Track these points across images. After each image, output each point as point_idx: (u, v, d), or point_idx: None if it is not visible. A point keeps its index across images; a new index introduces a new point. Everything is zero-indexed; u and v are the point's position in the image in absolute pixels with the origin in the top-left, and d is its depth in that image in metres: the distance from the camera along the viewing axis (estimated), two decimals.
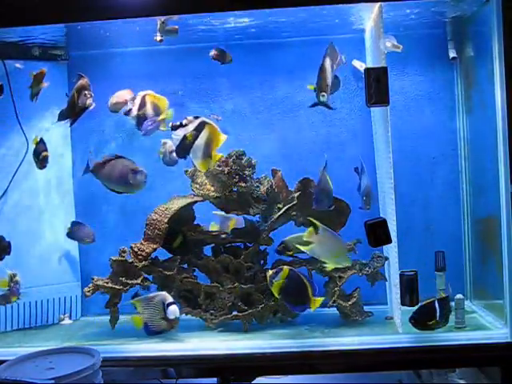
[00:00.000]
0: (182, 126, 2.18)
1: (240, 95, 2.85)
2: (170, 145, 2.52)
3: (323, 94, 2.19)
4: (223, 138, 2.18)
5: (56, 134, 2.79)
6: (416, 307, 2.24)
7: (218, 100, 2.86)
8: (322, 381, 2.38)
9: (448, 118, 2.80)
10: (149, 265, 2.47)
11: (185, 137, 2.17)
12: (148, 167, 2.37)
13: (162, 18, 2.29)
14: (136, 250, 2.48)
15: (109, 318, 2.50)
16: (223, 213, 2.59)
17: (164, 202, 2.56)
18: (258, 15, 2.40)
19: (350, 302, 2.45)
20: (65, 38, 2.61)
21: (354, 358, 2.23)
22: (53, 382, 1.68)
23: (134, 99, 2.40)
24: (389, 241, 2.01)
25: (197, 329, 2.48)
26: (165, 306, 2.30)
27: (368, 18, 2.49)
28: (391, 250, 2.37)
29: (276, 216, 2.51)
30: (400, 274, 2.22)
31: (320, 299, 2.22)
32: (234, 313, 2.49)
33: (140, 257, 2.47)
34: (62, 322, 2.78)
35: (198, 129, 2.18)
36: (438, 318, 2.21)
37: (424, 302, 2.23)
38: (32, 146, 2.51)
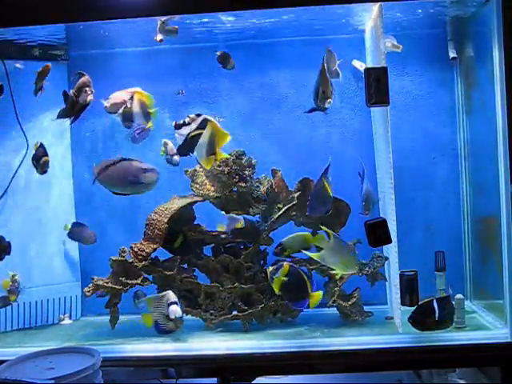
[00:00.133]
0: (185, 124, 2.19)
1: (240, 95, 2.85)
2: (172, 147, 2.52)
3: (330, 100, 2.17)
4: (228, 137, 2.18)
5: (55, 134, 2.80)
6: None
7: (218, 100, 2.86)
8: (322, 381, 2.38)
9: (448, 118, 2.80)
10: (149, 265, 2.48)
11: (188, 135, 2.18)
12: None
13: (163, 18, 2.29)
14: (136, 250, 2.48)
15: (109, 317, 2.51)
16: (234, 215, 2.59)
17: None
18: (258, 15, 2.40)
19: (349, 302, 2.45)
20: (65, 38, 2.61)
21: (354, 358, 2.23)
22: (53, 382, 1.68)
23: (132, 99, 2.39)
24: (389, 241, 2.01)
25: (197, 329, 2.48)
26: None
27: (368, 17, 2.49)
28: (391, 250, 2.37)
29: (276, 216, 2.51)
30: (400, 274, 2.22)
31: (319, 293, 2.21)
32: (234, 313, 2.49)
33: (140, 257, 2.47)
34: (62, 322, 2.78)
35: (201, 126, 2.18)
36: (437, 318, 2.20)
37: (422, 302, 2.23)
38: (32, 151, 2.51)
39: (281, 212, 2.50)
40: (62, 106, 2.37)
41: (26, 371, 1.82)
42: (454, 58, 2.72)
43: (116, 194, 2.36)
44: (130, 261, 2.47)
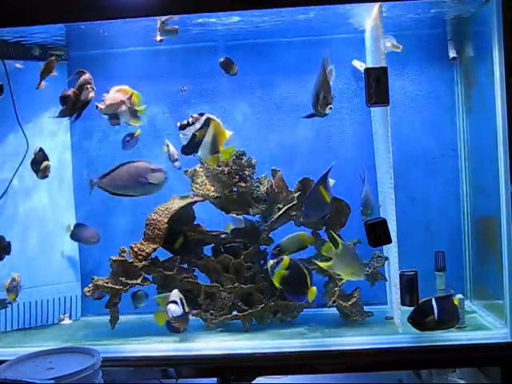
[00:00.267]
0: (189, 124, 2.19)
1: (240, 95, 2.85)
2: (173, 151, 2.52)
3: (330, 106, 2.14)
4: (228, 134, 2.20)
5: (55, 134, 2.80)
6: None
7: (218, 100, 2.86)
8: (322, 381, 2.38)
9: (448, 118, 2.80)
10: (149, 265, 2.48)
11: (193, 135, 2.18)
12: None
13: (162, 18, 2.29)
14: (136, 250, 2.48)
15: (109, 317, 2.51)
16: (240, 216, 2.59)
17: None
18: (258, 15, 2.40)
19: (349, 302, 2.45)
20: (65, 38, 2.61)
21: (354, 358, 2.23)
22: (53, 382, 1.68)
23: (130, 99, 2.39)
24: (389, 241, 2.01)
25: (197, 329, 2.48)
26: None
27: (368, 17, 2.49)
28: (391, 250, 2.37)
29: (276, 216, 2.51)
30: (400, 274, 2.21)
31: (313, 289, 2.20)
32: (234, 313, 2.49)
33: (140, 257, 2.47)
34: (62, 322, 2.78)
35: (205, 125, 2.18)
36: (436, 317, 2.19)
37: (421, 301, 2.23)
38: (31, 155, 2.50)
39: (281, 212, 2.50)
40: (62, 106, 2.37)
41: (26, 371, 1.82)
42: (453, 58, 2.72)
43: (121, 195, 2.37)
44: (130, 261, 2.47)
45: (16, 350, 2.28)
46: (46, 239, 2.77)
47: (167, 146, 2.58)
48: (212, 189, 2.53)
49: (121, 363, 2.24)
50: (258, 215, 2.59)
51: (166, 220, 2.48)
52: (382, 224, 1.99)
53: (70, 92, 2.29)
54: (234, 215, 2.56)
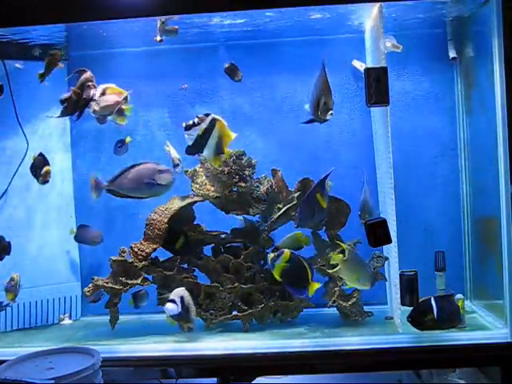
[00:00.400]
0: (194, 125, 2.19)
1: (240, 95, 2.85)
2: (175, 156, 2.52)
3: (331, 112, 2.13)
4: (233, 135, 2.19)
5: (55, 133, 2.80)
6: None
7: (217, 100, 2.86)
8: (322, 381, 2.38)
9: (448, 118, 2.80)
10: (149, 265, 2.48)
11: (199, 135, 2.17)
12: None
13: (162, 18, 2.29)
14: (136, 250, 2.48)
15: (109, 317, 2.51)
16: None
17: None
18: (258, 15, 2.40)
19: (349, 302, 2.45)
20: (65, 38, 2.61)
21: (354, 358, 2.23)
22: (53, 382, 1.68)
23: (126, 99, 2.39)
24: (389, 241, 2.01)
25: (197, 329, 2.48)
26: None
27: (368, 17, 2.49)
28: (391, 250, 2.37)
29: (276, 216, 2.51)
30: (400, 274, 2.21)
31: (317, 284, 2.22)
32: (234, 313, 2.49)
33: (140, 257, 2.47)
34: (62, 322, 2.78)
35: (210, 126, 2.18)
36: (436, 316, 2.19)
37: (421, 300, 2.22)
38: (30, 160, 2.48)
39: (281, 212, 2.50)
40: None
41: (26, 371, 1.82)
42: (453, 58, 2.72)
43: (129, 197, 2.36)
44: (130, 261, 2.47)
45: (16, 349, 2.28)
46: (46, 239, 2.77)
47: (168, 146, 2.58)
48: (212, 189, 2.53)
49: (121, 363, 2.24)
50: (257, 215, 2.59)
51: (165, 220, 2.49)
52: (382, 224, 1.99)
53: (70, 93, 2.29)
54: (241, 218, 2.57)
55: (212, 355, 2.24)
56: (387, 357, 2.22)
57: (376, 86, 2.09)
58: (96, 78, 2.34)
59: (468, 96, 2.73)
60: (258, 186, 2.55)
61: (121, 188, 2.35)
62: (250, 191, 2.54)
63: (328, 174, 2.26)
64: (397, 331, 2.32)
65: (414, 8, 2.41)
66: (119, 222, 2.89)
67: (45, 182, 2.46)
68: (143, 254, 2.47)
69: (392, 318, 2.50)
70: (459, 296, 2.35)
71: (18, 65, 2.62)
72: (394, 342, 2.24)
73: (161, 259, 2.55)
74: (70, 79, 2.45)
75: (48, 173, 2.44)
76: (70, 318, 2.81)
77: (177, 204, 2.53)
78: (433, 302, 2.18)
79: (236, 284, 2.48)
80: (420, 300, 2.19)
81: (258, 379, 2.31)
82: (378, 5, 2.25)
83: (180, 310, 2.26)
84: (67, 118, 2.67)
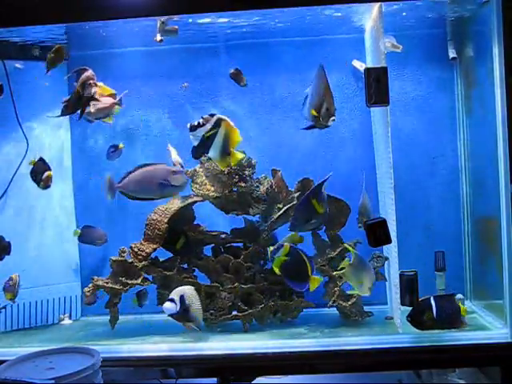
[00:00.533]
0: (199, 125, 2.17)
1: (240, 95, 2.85)
2: (176, 159, 2.52)
3: (333, 118, 2.11)
4: (239, 138, 2.17)
5: (55, 133, 2.80)
6: None
7: (217, 100, 2.86)
8: (322, 381, 2.38)
9: (448, 118, 2.80)
10: (149, 265, 2.48)
11: (204, 136, 2.16)
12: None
13: (162, 18, 2.29)
14: (136, 250, 2.48)
15: (109, 317, 2.51)
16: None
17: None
18: (258, 15, 2.40)
19: (349, 302, 2.45)
20: (65, 38, 2.61)
21: (354, 358, 2.23)
22: (53, 382, 1.68)
23: (120, 101, 2.39)
24: (389, 241, 2.01)
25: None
26: None
27: (368, 17, 2.49)
28: (391, 250, 2.37)
29: (276, 216, 2.51)
30: (400, 274, 2.21)
31: (319, 278, 2.21)
32: (234, 313, 2.49)
33: (140, 257, 2.47)
34: (62, 322, 2.78)
35: (215, 126, 2.17)
36: (435, 315, 2.18)
37: (420, 299, 2.22)
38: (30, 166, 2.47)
39: (281, 212, 2.50)
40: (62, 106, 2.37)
41: (26, 371, 1.82)
42: (453, 58, 2.72)
43: (141, 199, 2.36)
44: (130, 261, 2.47)
45: (16, 349, 2.27)
46: (46, 239, 2.76)
47: (168, 149, 2.58)
48: (212, 189, 2.53)
49: (121, 363, 2.24)
50: (257, 215, 2.59)
51: (165, 220, 2.49)
52: (382, 224, 1.99)
53: (71, 95, 2.29)
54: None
55: (212, 355, 2.24)
56: (387, 357, 2.22)
57: (376, 85, 2.09)
58: (96, 78, 2.34)
59: (468, 96, 2.73)
60: (257, 186, 2.55)
61: (133, 189, 2.33)
62: (250, 191, 2.54)
63: (325, 180, 2.25)
64: (397, 331, 2.32)
65: (414, 8, 2.41)
66: (119, 221, 2.89)
67: (46, 187, 2.43)
68: (143, 254, 2.47)
69: (392, 318, 2.50)
70: (459, 296, 2.35)
71: (18, 65, 2.62)
72: (394, 342, 2.24)
73: (161, 259, 2.55)
74: (70, 78, 2.45)
75: (49, 178, 2.42)
76: (70, 318, 2.81)
77: (177, 204, 2.54)
78: (432, 302, 2.18)
79: (236, 284, 2.48)
80: (420, 299, 2.20)
81: (258, 379, 2.31)
82: (377, 5, 2.25)
83: (178, 309, 2.26)
84: (66, 117, 2.67)
